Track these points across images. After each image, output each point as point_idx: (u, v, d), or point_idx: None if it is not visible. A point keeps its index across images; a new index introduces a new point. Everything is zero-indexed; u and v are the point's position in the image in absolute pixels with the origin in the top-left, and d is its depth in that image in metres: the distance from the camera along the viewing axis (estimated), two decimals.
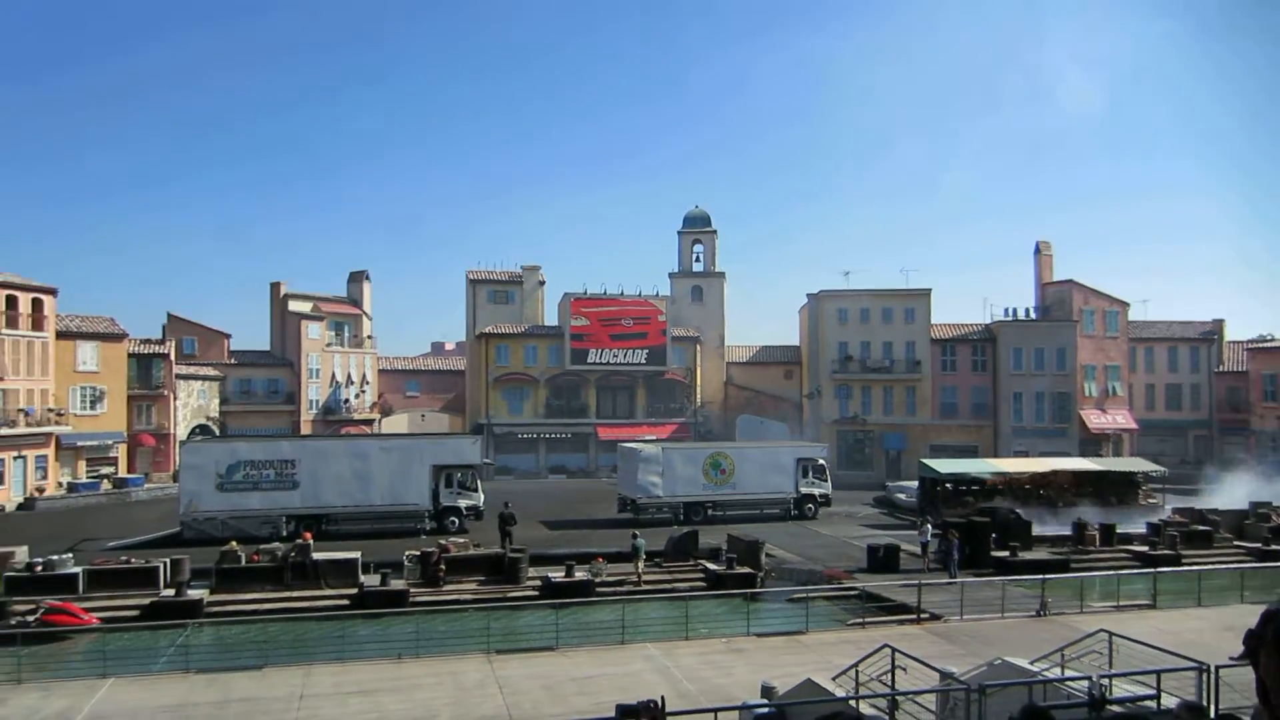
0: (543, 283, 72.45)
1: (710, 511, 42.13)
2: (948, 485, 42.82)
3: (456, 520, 38.38)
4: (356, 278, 73.63)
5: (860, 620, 23.99)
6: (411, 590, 27.25)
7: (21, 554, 28.75)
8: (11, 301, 48.68)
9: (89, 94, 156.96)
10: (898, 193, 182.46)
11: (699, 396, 68.87)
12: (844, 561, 32.57)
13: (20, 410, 48.28)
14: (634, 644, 21.42)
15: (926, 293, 64.95)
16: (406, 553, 29.27)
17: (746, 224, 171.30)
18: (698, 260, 73.90)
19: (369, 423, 68.67)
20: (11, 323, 48.50)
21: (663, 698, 16.12)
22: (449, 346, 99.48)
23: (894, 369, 64.31)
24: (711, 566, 30.37)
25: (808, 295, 68.27)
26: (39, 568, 26.76)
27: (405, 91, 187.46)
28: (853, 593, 26.81)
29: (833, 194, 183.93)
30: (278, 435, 53.61)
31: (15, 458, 48.43)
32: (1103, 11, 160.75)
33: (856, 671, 15.64)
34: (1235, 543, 36.74)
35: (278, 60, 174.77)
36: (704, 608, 26.23)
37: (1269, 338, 69.67)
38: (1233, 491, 47.75)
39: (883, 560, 31.16)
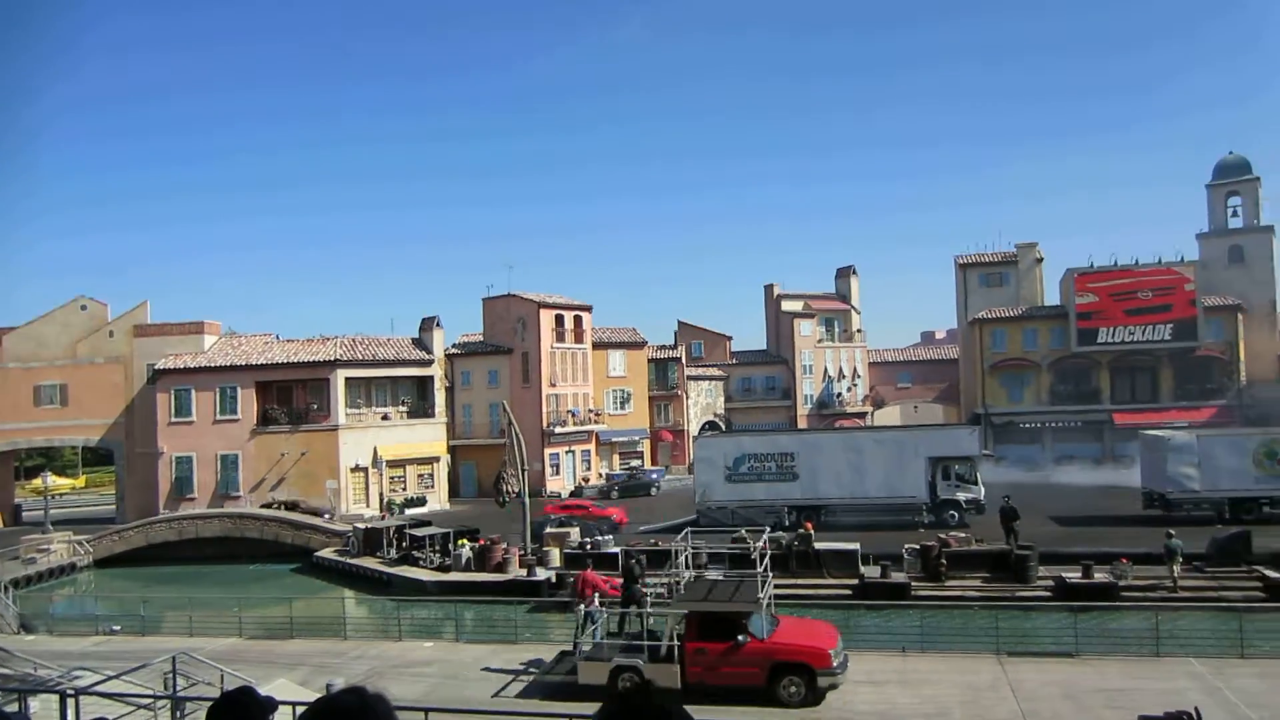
0: (1040, 260, 67.10)
1: (1266, 509, 35.40)
2: None
3: (955, 514, 37.12)
4: (844, 273, 75.18)
5: None
6: (913, 583, 26.96)
7: (574, 534, 34.13)
8: (559, 319, 58.15)
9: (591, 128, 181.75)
10: None
11: (1244, 375, 58.32)
12: None
13: (569, 411, 57.46)
14: (1172, 658, 18.85)
15: None
16: (906, 546, 29.04)
17: None
18: (1234, 215, 62.76)
19: (861, 415, 69.54)
20: (559, 337, 57.93)
21: (1197, 709, 13.95)
22: (939, 335, 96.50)
23: None
24: (1272, 574, 25.48)
25: None
26: (588, 546, 31.63)
27: (875, 87, 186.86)
28: None
29: None
30: (777, 430, 56.69)
31: (566, 452, 57.77)
32: None
33: None
34: None
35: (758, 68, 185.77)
36: (1264, 622, 22.17)
37: None
38: None
39: None
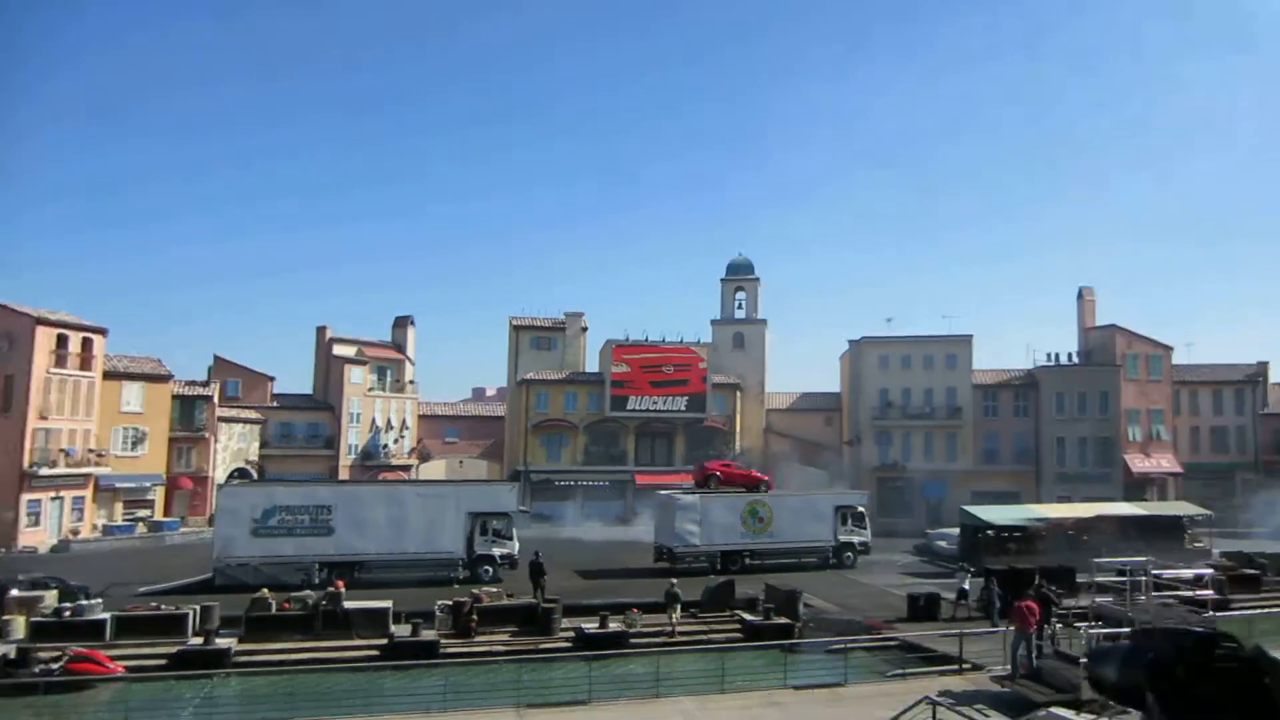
0: (585, 329, 72.65)
1: (748, 560, 41.31)
2: (989, 532, 41.89)
3: (490, 569, 37.92)
4: (401, 323, 74.54)
5: (901, 671, 23.23)
6: (443, 641, 26.79)
7: (50, 598, 28.74)
8: (62, 340, 49.68)
9: (146, 129, 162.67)
10: (941, 239, 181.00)
11: (739, 443, 68.12)
12: (884, 611, 31.65)
13: (62, 450, 49.01)
14: (669, 698, 20.81)
15: (968, 339, 64.39)
16: (439, 602, 28.88)
17: (789, 269, 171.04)
18: (740, 307, 73.76)
19: (407, 468, 68.83)
20: (60, 362, 49.42)
21: None
22: (490, 392, 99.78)
23: (935, 415, 63.50)
24: (748, 617, 29.60)
25: (849, 342, 67.86)
26: (67, 613, 26.68)
27: (449, 138, 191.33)
28: (893, 643, 26.12)
29: (878, 242, 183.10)
30: (316, 480, 53.80)
31: (53, 499, 49.05)
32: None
33: None
34: None
35: (327, 106, 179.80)
36: (741, 660, 25.46)
37: None
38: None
39: (924, 609, 30.27)
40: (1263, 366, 67.63)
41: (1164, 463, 62.16)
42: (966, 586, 31.66)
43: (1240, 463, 64.99)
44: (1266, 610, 29.67)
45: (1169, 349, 64.60)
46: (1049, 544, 41.27)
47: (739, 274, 74.32)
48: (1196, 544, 43.45)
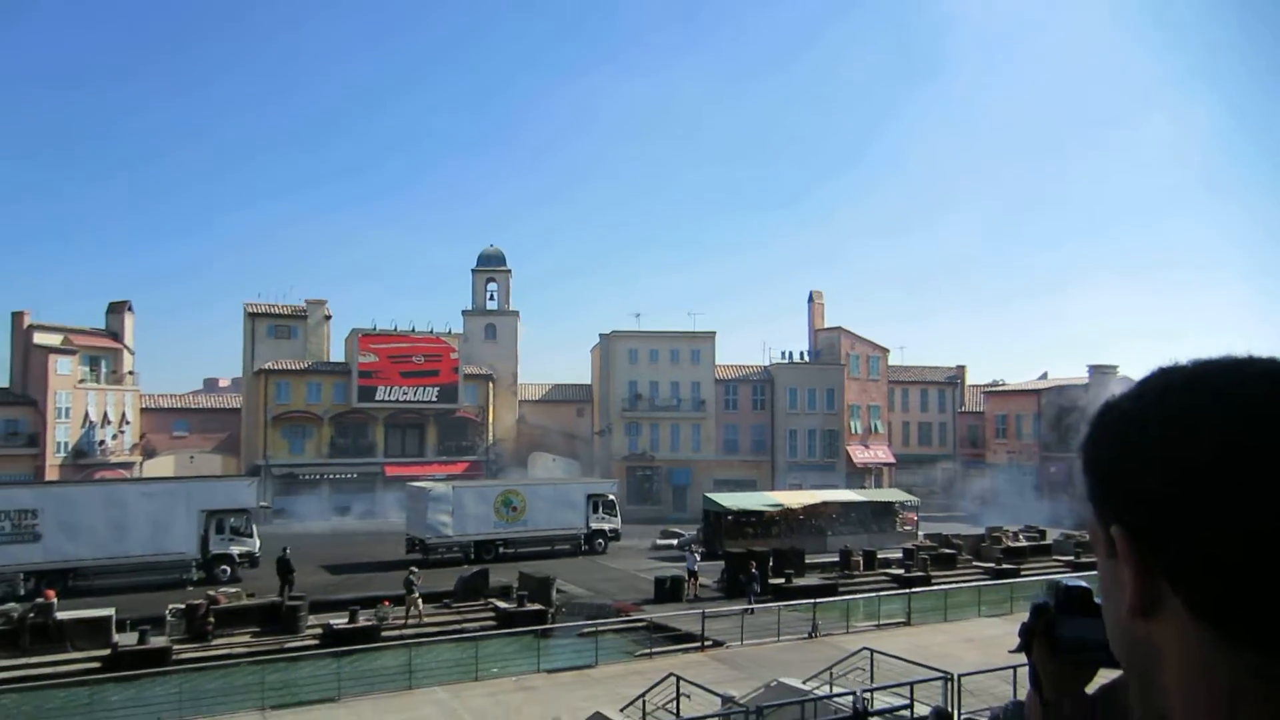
0: (329, 317, 69.59)
1: (501, 549, 41.74)
2: (729, 517, 44.89)
3: (229, 569, 35.85)
4: (117, 308, 67.64)
5: (648, 651, 24.66)
6: (175, 647, 25.23)
7: None
8: None
9: None
10: (686, 235, 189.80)
11: (491, 434, 68.26)
12: (632, 594, 33.29)
13: None
14: (422, 688, 20.98)
15: (711, 335, 68.30)
16: (170, 606, 27.10)
17: (541, 259, 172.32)
18: (492, 298, 73.63)
19: (129, 466, 62.89)
20: None
21: None
22: (224, 383, 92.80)
23: (681, 407, 66.86)
24: (502, 605, 30.13)
25: (600, 335, 69.85)
26: None
27: (182, 109, 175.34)
28: (641, 624, 27.57)
29: (625, 233, 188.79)
30: (16, 482, 48.04)
31: None
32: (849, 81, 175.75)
33: (644, 701, 16.16)
34: (974, 563, 40.80)
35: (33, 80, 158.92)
36: (494, 647, 25.96)
37: (1000, 383, 78.69)
38: (973, 517, 53.98)
39: (669, 591, 32.17)
40: (961, 370, 77.48)
41: (880, 453, 69.37)
42: (695, 567, 33.89)
43: (942, 454, 73.90)
44: (960, 585, 34.28)
45: (886, 350, 72.08)
46: (782, 528, 44.89)
47: (490, 265, 74.19)
48: (906, 527, 48.82)
